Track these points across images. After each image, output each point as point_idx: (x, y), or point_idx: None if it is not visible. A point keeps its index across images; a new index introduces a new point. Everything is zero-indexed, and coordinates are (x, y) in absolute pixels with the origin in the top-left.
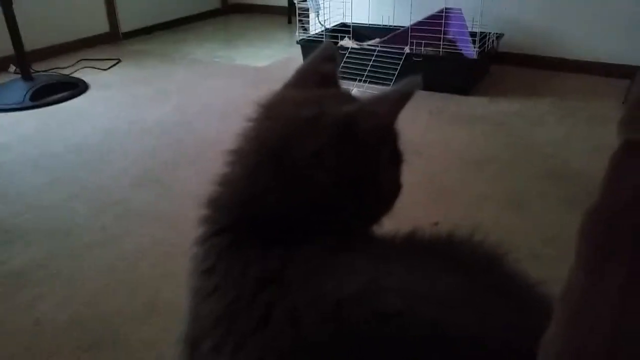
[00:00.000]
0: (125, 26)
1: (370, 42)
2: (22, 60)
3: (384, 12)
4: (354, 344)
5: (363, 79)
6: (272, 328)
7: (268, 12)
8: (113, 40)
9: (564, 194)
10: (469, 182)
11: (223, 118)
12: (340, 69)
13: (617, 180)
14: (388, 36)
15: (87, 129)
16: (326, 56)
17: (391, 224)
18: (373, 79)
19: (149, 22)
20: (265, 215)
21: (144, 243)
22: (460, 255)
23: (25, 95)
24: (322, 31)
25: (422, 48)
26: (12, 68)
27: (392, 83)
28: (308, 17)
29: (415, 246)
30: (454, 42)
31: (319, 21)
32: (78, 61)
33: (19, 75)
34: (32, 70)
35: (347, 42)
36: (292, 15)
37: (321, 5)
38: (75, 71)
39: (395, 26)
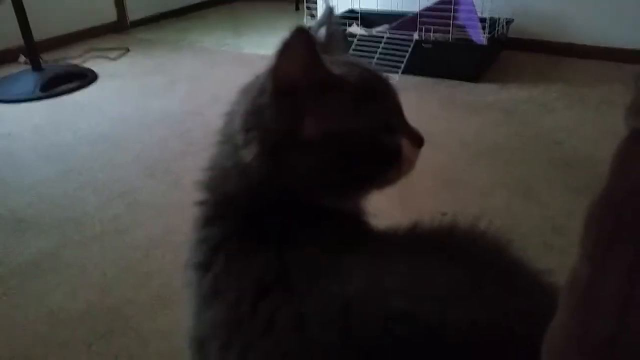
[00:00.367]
0: (132, 15)
1: (378, 29)
2: (32, 51)
3: None
4: (361, 348)
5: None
6: (277, 333)
7: None
8: (121, 29)
9: (575, 182)
10: (479, 170)
11: None
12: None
13: (623, 169)
14: (397, 22)
15: (97, 119)
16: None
17: (400, 214)
18: (382, 66)
19: (157, 11)
20: (252, 202)
21: (155, 232)
22: (464, 246)
23: (35, 86)
24: None
25: (431, 34)
26: (22, 59)
27: (400, 70)
28: (316, 3)
29: (417, 240)
30: (463, 27)
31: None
32: (87, 51)
33: (29, 66)
34: (41, 61)
35: (355, 29)
36: (300, 2)
37: None
38: (84, 61)
39: (403, 12)
